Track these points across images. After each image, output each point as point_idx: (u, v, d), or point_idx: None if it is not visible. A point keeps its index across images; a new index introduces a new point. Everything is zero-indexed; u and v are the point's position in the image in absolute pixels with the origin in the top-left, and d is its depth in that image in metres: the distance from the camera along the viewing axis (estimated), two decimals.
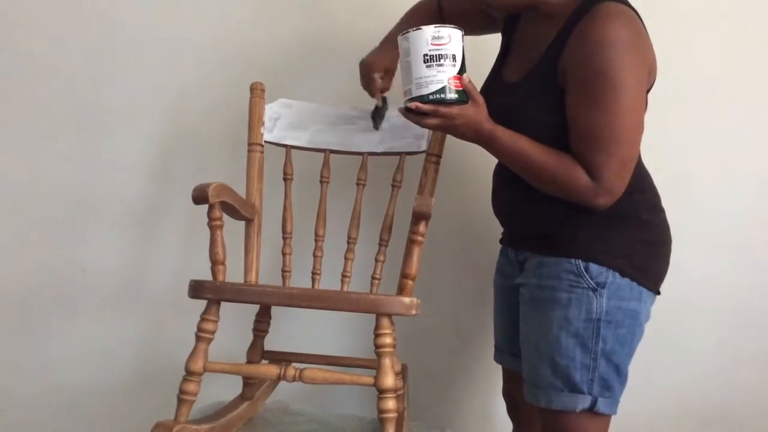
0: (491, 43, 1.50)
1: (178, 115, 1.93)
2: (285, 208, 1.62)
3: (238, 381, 1.55)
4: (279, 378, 1.26)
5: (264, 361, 1.57)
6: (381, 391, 1.24)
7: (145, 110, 1.93)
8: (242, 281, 1.53)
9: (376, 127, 1.60)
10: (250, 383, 1.55)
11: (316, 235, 1.61)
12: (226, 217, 1.40)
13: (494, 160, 1.41)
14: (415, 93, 1.21)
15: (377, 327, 1.26)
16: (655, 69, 1.30)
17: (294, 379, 1.26)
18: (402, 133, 1.60)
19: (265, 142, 1.63)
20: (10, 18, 1.94)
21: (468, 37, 1.26)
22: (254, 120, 1.62)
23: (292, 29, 1.90)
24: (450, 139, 1.49)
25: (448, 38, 1.21)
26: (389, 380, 1.24)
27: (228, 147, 1.88)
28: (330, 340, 1.88)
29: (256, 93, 1.63)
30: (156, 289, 1.94)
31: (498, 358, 1.58)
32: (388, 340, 1.26)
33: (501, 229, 1.53)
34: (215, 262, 1.36)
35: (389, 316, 1.26)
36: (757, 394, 1.87)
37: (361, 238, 1.59)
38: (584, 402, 1.28)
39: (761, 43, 1.84)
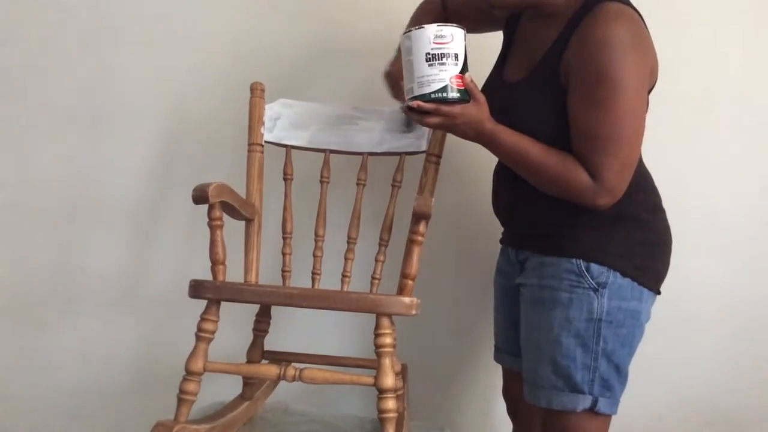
0: (493, 43, 1.50)
1: (178, 115, 1.93)
2: (285, 208, 1.62)
3: (238, 381, 1.55)
4: (279, 378, 1.26)
5: (264, 361, 1.57)
6: (381, 391, 1.24)
7: (145, 110, 1.93)
8: (242, 281, 1.53)
9: (411, 129, 1.57)
10: (250, 383, 1.55)
11: (316, 235, 1.61)
12: (226, 217, 1.40)
13: (494, 160, 1.41)
14: (417, 92, 1.21)
15: (377, 327, 1.26)
16: (657, 69, 1.30)
17: (294, 379, 1.26)
18: (402, 133, 1.60)
19: (266, 142, 1.63)
20: (11, 18, 1.94)
21: (470, 36, 1.26)
22: (254, 120, 1.62)
23: (293, 30, 1.90)
24: (450, 139, 1.49)
25: (451, 37, 1.21)
26: (389, 380, 1.24)
27: (228, 147, 1.88)
28: (330, 340, 1.88)
29: (256, 93, 1.63)
30: (156, 289, 1.94)
31: (498, 358, 1.58)
32: (388, 340, 1.25)
33: (501, 229, 1.53)
34: (215, 262, 1.36)
35: (389, 316, 1.26)
36: (758, 394, 1.86)
37: (361, 238, 1.59)
38: (585, 402, 1.28)
39: (761, 43, 1.84)
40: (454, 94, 1.21)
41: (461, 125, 1.24)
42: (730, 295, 1.85)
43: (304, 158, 1.65)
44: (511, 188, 1.39)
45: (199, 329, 1.29)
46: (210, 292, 1.28)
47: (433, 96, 1.20)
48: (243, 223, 1.57)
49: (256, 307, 1.57)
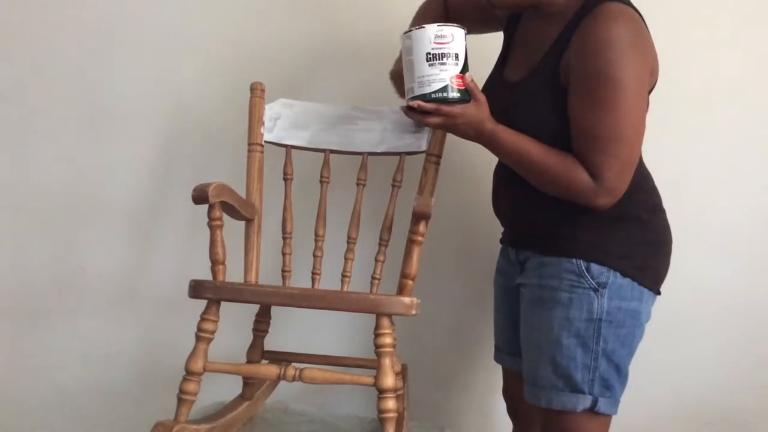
0: (493, 43, 1.50)
1: (178, 115, 1.93)
2: (285, 208, 1.62)
3: (238, 381, 1.55)
4: (279, 378, 1.26)
5: (264, 361, 1.57)
6: (381, 391, 1.24)
7: (145, 110, 1.93)
8: (242, 281, 1.53)
9: (421, 128, 1.54)
10: (250, 383, 1.55)
11: (316, 235, 1.61)
12: (226, 217, 1.40)
13: (494, 160, 1.41)
14: (418, 91, 1.21)
15: (377, 327, 1.26)
16: (657, 69, 1.30)
17: (294, 379, 1.26)
18: (402, 133, 1.60)
19: (265, 142, 1.63)
20: (11, 18, 1.94)
21: (470, 36, 1.26)
22: (254, 120, 1.62)
23: (293, 30, 1.90)
24: (450, 139, 1.49)
25: (451, 37, 1.21)
26: (389, 380, 1.24)
27: (228, 147, 1.88)
28: (330, 340, 1.88)
29: (256, 93, 1.63)
30: (156, 289, 1.94)
31: (498, 358, 1.58)
32: (388, 340, 1.25)
33: (501, 229, 1.53)
34: (215, 262, 1.36)
35: (389, 316, 1.26)
36: (758, 394, 1.86)
37: (361, 238, 1.59)
38: (585, 402, 1.28)
39: (761, 43, 1.84)
40: (454, 94, 1.21)
41: (462, 125, 1.24)
42: (730, 295, 1.85)
43: (304, 158, 1.65)
44: (512, 188, 1.39)
45: (199, 329, 1.29)
46: (210, 292, 1.28)
47: (433, 96, 1.20)
48: (243, 223, 1.57)
49: (256, 307, 1.57)
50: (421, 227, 1.32)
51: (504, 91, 1.36)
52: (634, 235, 1.31)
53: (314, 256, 1.60)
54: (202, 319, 1.29)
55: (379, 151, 1.61)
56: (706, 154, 1.85)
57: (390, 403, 1.24)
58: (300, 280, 1.62)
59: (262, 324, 1.57)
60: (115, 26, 1.93)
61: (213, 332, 1.30)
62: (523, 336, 1.38)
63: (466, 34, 1.23)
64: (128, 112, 1.93)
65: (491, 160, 1.41)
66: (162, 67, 1.93)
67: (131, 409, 1.91)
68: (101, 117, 1.94)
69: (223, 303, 1.30)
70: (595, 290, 1.27)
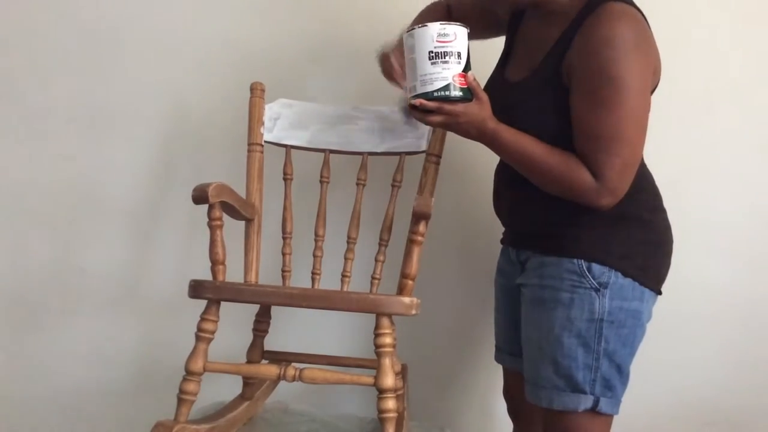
0: (495, 42, 1.50)
1: (178, 115, 1.93)
2: (285, 208, 1.62)
3: (238, 381, 1.55)
4: (279, 378, 1.26)
5: (264, 361, 1.57)
6: (381, 391, 1.24)
7: (145, 110, 1.93)
8: (242, 281, 1.53)
9: (410, 120, 1.49)
10: (250, 383, 1.55)
11: (316, 235, 1.61)
12: (226, 217, 1.40)
13: (495, 160, 1.41)
14: (420, 90, 1.21)
15: (377, 327, 1.26)
16: (660, 69, 1.30)
17: (294, 379, 1.26)
18: (402, 133, 1.60)
19: (265, 142, 1.63)
20: (11, 18, 1.94)
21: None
22: (254, 120, 1.62)
23: (293, 29, 1.90)
24: (450, 139, 1.49)
25: (454, 36, 1.21)
26: (389, 380, 1.24)
27: (228, 147, 1.88)
28: (330, 340, 1.88)
29: (256, 93, 1.63)
30: (156, 289, 1.94)
31: (498, 358, 1.58)
32: (388, 340, 1.25)
33: (502, 229, 1.53)
34: (215, 262, 1.36)
35: (389, 316, 1.26)
36: (758, 394, 1.86)
37: (361, 238, 1.59)
38: (586, 402, 1.28)
39: (761, 43, 1.84)
40: (456, 93, 1.20)
41: (464, 124, 1.24)
42: (730, 295, 1.85)
43: (304, 158, 1.65)
44: (513, 188, 1.39)
45: (199, 329, 1.29)
46: (210, 292, 1.28)
47: (435, 94, 1.20)
48: (243, 223, 1.57)
49: (256, 307, 1.57)
50: (421, 227, 1.32)
51: (506, 91, 1.36)
52: (636, 235, 1.31)
53: (314, 256, 1.60)
54: (202, 319, 1.29)
55: (379, 151, 1.62)
56: (706, 154, 1.84)
57: (390, 403, 1.24)
58: (300, 280, 1.62)
59: (262, 324, 1.57)
60: (115, 26, 1.93)
61: (213, 332, 1.30)
62: (523, 336, 1.38)
63: (468, 33, 1.23)
64: (128, 112, 1.93)
65: (491, 160, 1.41)
66: (162, 67, 1.93)
67: (131, 409, 1.91)
68: (101, 117, 1.94)
69: (223, 303, 1.30)
70: (597, 290, 1.27)
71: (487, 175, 1.49)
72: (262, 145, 1.62)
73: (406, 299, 1.26)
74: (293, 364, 1.29)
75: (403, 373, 1.55)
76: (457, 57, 1.20)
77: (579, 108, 1.24)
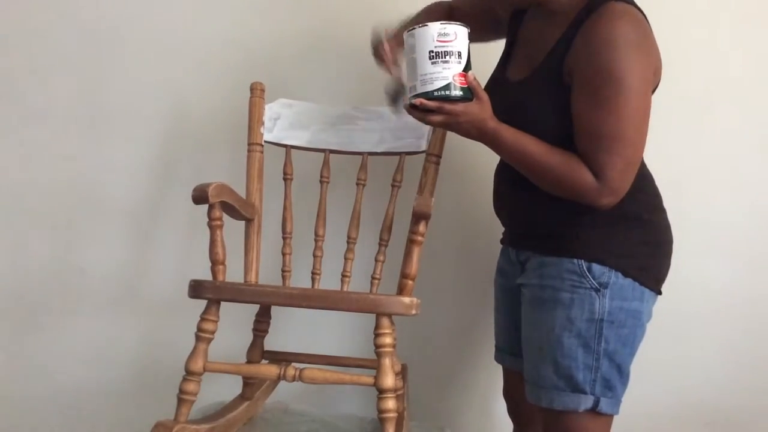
0: (496, 42, 1.50)
1: (178, 115, 1.93)
2: (285, 208, 1.62)
3: (238, 381, 1.55)
4: (279, 378, 1.26)
5: (264, 361, 1.57)
6: (381, 391, 1.24)
7: (145, 110, 1.93)
8: (242, 281, 1.53)
9: (397, 108, 1.41)
10: (250, 383, 1.55)
11: (316, 235, 1.61)
12: (226, 217, 1.40)
13: (495, 160, 1.41)
14: (420, 89, 1.21)
15: (377, 327, 1.26)
16: (661, 69, 1.30)
17: (294, 379, 1.26)
18: (402, 133, 1.60)
19: (265, 142, 1.63)
20: (11, 18, 1.94)
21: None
22: (254, 120, 1.62)
23: (293, 29, 1.90)
24: (450, 139, 1.49)
25: (454, 35, 1.21)
26: (389, 380, 1.24)
27: (228, 147, 1.88)
28: (330, 340, 1.88)
29: (256, 93, 1.63)
30: (156, 289, 1.94)
31: (498, 358, 1.58)
32: (388, 340, 1.26)
33: (501, 229, 1.53)
34: (215, 262, 1.36)
35: (389, 316, 1.26)
36: (758, 394, 1.86)
37: (361, 238, 1.59)
38: (586, 402, 1.28)
39: (761, 43, 1.84)
40: (457, 92, 1.20)
41: (464, 124, 1.24)
42: (730, 295, 1.85)
43: (304, 158, 1.65)
44: (513, 188, 1.39)
45: (199, 329, 1.29)
46: (210, 292, 1.28)
47: (436, 94, 1.20)
48: (243, 223, 1.57)
49: (256, 307, 1.57)
50: (421, 227, 1.32)
51: (506, 90, 1.36)
52: (636, 235, 1.31)
53: (314, 256, 1.60)
54: (202, 319, 1.29)
55: (379, 151, 1.62)
56: (706, 154, 1.84)
57: (390, 403, 1.24)
58: (300, 280, 1.62)
59: (262, 324, 1.57)
60: (115, 26, 1.93)
61: (213, 332, 1.30)
62: (524, 336, 1.38)
63: (469, 33, 1.23)
64: (128, 112, 1.93)
65: (492, 160, 1.41)
66: (162, 67, 1.93)
67: (131, 409, 1.91)
68: (101, 117, 1.94)
69: (223, 303, 1.30)
70: (597, 290, 1.27)
71: (487, 175, 1.49)
72: (262, 145, 1.62)
73: (406, 299, 1.26)
74: (293, 364, 1.29)
75: (403, 373, 1.55)
76: (458, 56, 1.20)
77: (580, 108, 1.24)
